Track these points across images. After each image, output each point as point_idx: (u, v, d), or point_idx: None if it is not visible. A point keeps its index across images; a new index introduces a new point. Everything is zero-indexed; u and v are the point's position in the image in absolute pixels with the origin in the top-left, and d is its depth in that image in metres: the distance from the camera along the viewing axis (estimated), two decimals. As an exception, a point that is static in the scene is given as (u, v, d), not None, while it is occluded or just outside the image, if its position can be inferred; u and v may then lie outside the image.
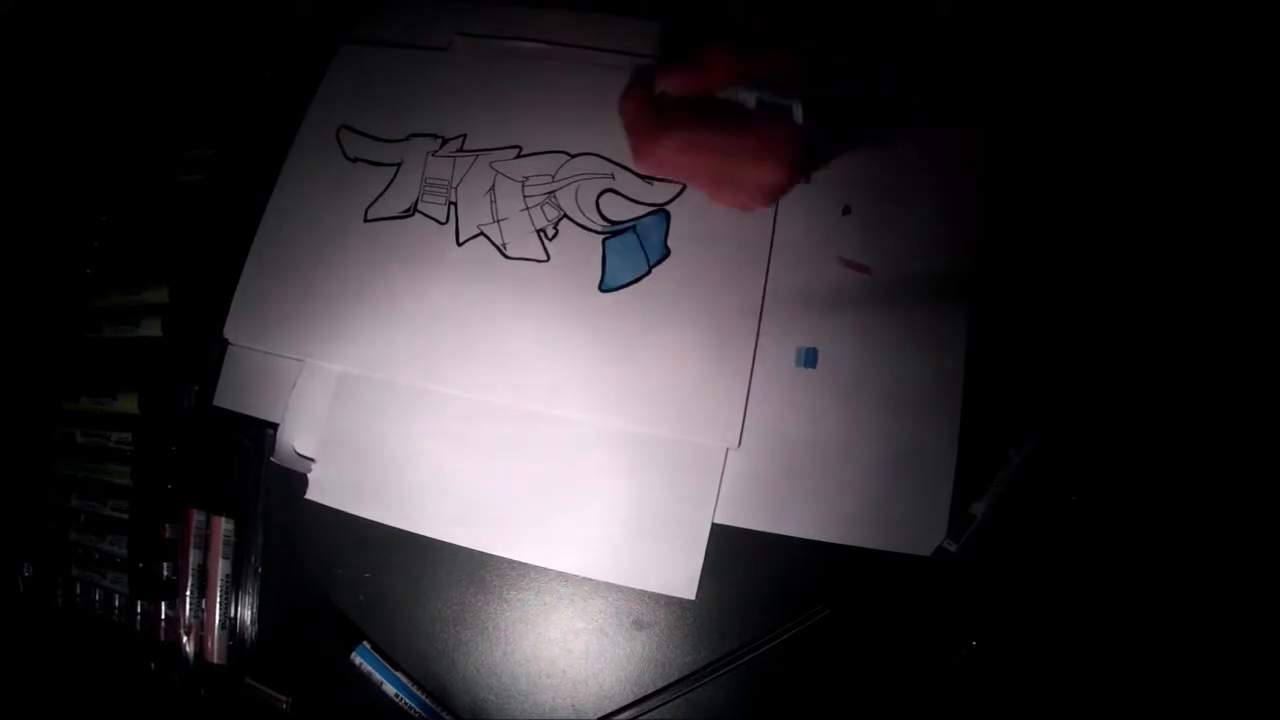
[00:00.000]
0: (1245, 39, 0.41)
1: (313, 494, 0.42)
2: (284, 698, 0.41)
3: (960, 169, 0.42)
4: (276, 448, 0.43)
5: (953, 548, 0.38)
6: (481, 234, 0.44)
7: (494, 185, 0.45)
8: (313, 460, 0.43)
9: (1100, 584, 0.38)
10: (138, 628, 0.43)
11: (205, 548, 0.43)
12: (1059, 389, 0.40)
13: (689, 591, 0.39)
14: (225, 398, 0.45)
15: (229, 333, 0.45)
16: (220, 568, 0.43)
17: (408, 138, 0.47)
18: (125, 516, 0.44)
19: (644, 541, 0.40)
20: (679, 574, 0.39)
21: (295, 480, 0.43)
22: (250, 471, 0.43)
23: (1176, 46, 0.42)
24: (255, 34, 0.50)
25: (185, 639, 0.43)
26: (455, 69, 0.47)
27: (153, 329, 0.46)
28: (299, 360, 0.44)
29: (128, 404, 0.45)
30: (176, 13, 0.50)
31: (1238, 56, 0.41)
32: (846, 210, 0.43)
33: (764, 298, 0.42)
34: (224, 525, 0.43)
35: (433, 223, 0.45)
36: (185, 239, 0.47)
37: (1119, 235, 0.41)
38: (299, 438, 0.43)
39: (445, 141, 0.46)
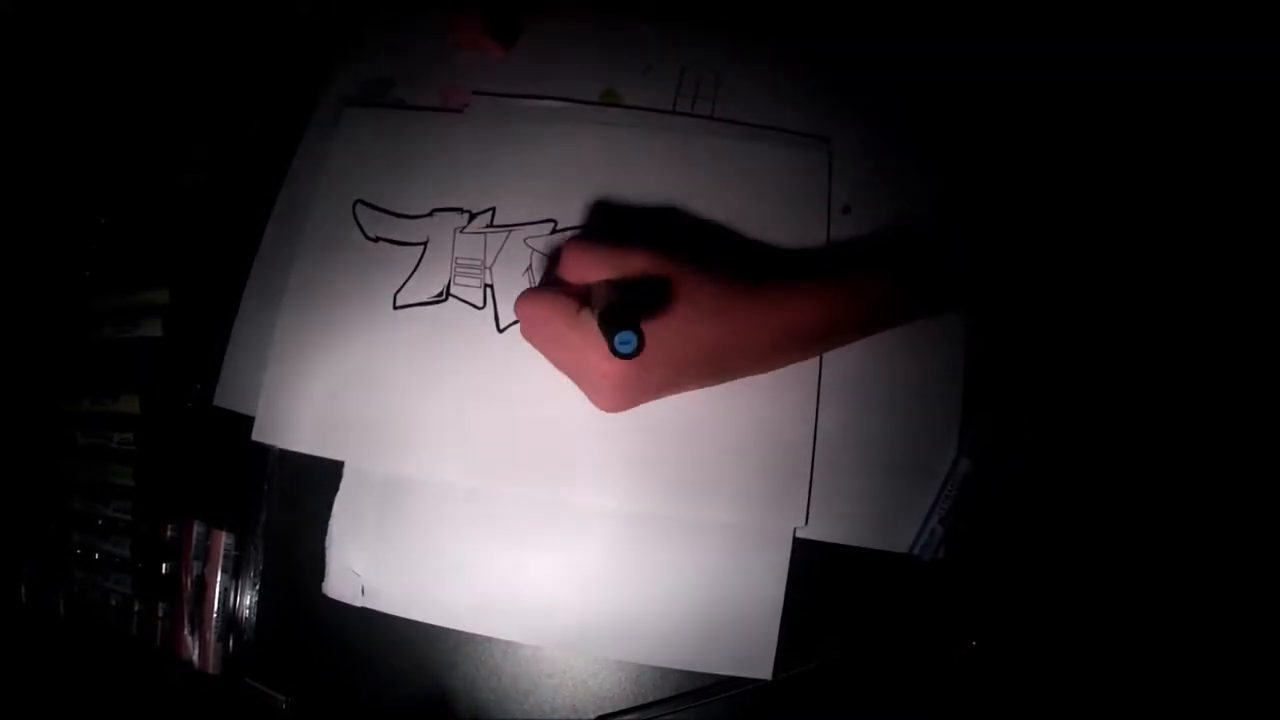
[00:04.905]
0: (1246, 38, 0.41)
1: (369, 602, 0.41)
2: (284, 698, 0.41)
3: (959, 169, 0.42)
4: (327, 574, 0.41)
5: (918, 552, 0.39)
6: (523, 318, 0.42)
7: (531, 264, 0.43)
8: (359, 577, 0.41)
9: (1099, 584, 0.39)
10: (137, 629, 0.43)
11: (204, 559, 0.43)
12: (1058, 389, 0.40)
13: (765, 672, 0.39)
14: (225, 398, 0.43)
15: (258, 434, 0.42)
16: (220, 580, 0.42)
17: (431, 213, 0.44)
18: (128, 518, 0.44)
19: (712, 625, 0.39)
20: (752, 655, 0.39)
21: (295, 482, 0.42)
22: (252, 485, 0.43)
23: (1176, 44, 0.41)
24: (256, 33, 0.49)
25: (185, 642, 0.42)
26: (475, 133, 0.44)
27: (153, 329, 0.45)
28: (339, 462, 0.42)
29: (130, 405, 0.44)
30: (176, 13, 0.49)
31: (1238, 54, 0.41)
32: (846, 210, 0.42)
33: (820, 367, 0.41)
34: (224, 540, 0.42)
35: (469, 307, 0.42)
36: (185, 239, 0.46)
37: (1119, 234, 0.41)
38: (351, 550, 0.41)
39: (473, 216, 0.43)
